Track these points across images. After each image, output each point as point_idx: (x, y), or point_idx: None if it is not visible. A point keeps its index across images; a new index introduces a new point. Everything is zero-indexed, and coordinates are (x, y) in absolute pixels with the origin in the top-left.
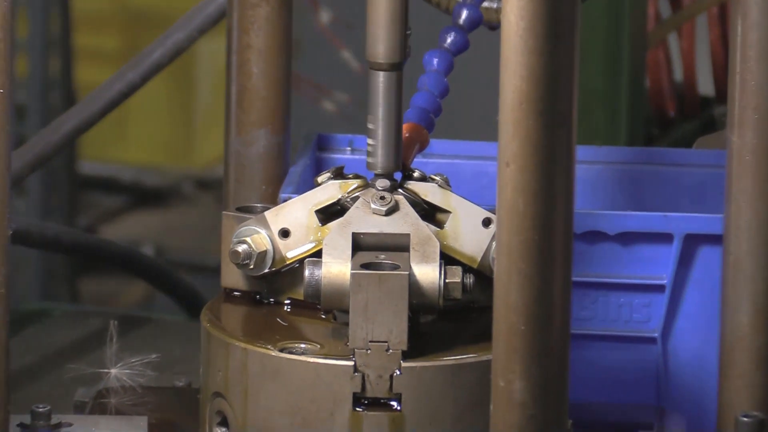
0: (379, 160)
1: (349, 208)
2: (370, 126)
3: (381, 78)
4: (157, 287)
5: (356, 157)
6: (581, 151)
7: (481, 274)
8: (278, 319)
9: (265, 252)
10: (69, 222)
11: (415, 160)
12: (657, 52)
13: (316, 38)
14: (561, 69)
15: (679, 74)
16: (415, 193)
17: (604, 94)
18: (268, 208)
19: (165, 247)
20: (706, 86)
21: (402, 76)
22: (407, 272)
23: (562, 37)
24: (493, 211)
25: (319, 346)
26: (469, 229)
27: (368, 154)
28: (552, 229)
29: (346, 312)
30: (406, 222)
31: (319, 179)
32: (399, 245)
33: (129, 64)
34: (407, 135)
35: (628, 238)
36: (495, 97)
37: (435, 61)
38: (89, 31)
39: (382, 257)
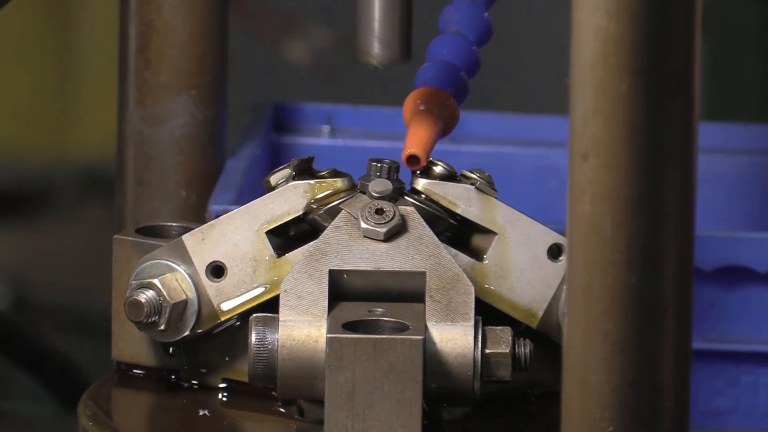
0: (376, 46)
1: (324, 228)
2: None
3: None
4: (11, 360)
5: (337, 141)
6: (718, 133)
7: (546, 340)
8: (206, 415)
9: (183, 302)
10: None
11: (438, 145)
12: None
13: None
14: (674, 0)
15: None
16: (436, 202)
17: (760, 45)
18: (189, 229)
19: (23, 289)
20: None
21: None
22: (421, 337)
23: None
24: (565, 234)
25: None
26: (527, 264)
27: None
28: (659, 264)
29: (320, 403)
30: (419, 251)
31: (274, 179)
32: (407, 291)
33: None
34: (424, 106)
35: None
36: (564, 45)
37: None
38: None
39: (378, 312)
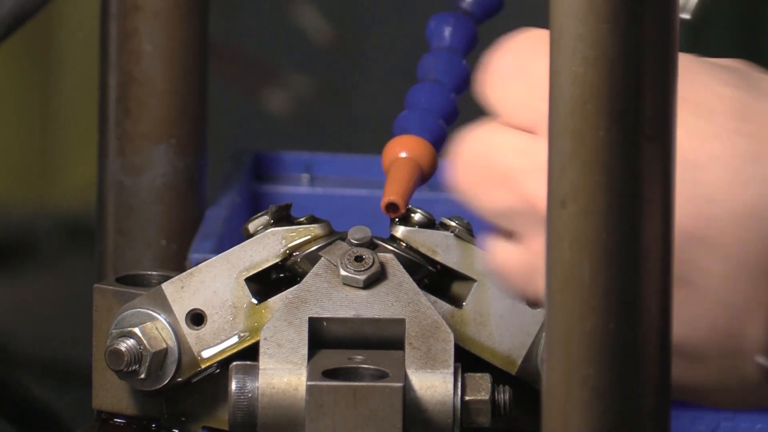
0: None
1: (303, 275)
2: None
3: None
4: None
5: (317, 190)
6: None
7: (525, 386)
8: None
9: (164, 351)
10: None
11: (416, 193)
12: None
13: None
14: (651, 47)
15: None
16: (415, 249)
17: None
18: (168, 277)
19: (4, 339)
20: None
21: None
22: (401, 384)
23: None
24: None
25: None
26: (505, 310)
27: None
28: (638, 309)
29: None
30: (399, 299)
31: (252, 226)
32: (387, 338)
33: None
34: (403, 154)
35: None
36: None
37: (447, 31)
38: None
39: (358, 359)
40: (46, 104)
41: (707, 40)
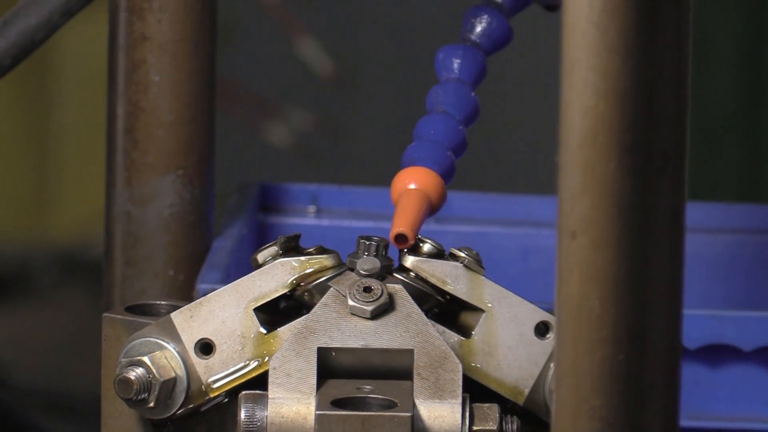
0: None
1: (312, 305)
2: None
3: None
4: None
5: (323, 221)
6: (699, 213)
7: (533, 417)
8: None
9: (173, 380)
10: None
11: (425, 225)
12: None
13: (259, 23)
14: (663, 79)
15: None
16: (424, 279)
17: (740, 124)
18: (177, 307)
19: (4, 372)
20: None
21: None
22: (409, 413)
23: (665, 26)
24: (552, 312)
25: None
26: (513, 341)
27: None
28: (647, 341)
29: None
30: (407, 329)
31: (261, 257)
32: (395, 368)
33: None
34: (412, 185)
35: None
36: (552, 123)
37: (456, 63)
38: None
39: (367, 389)
40: (43, 137)
41: (709, 56)
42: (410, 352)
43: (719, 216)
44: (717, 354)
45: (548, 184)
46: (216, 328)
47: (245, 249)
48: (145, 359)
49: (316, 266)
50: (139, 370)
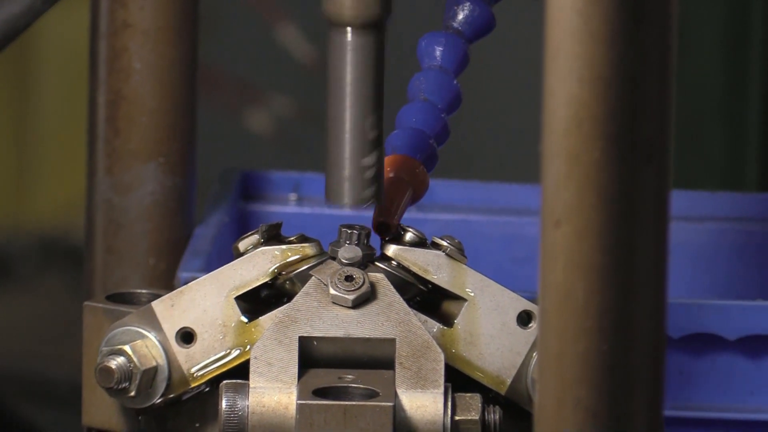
0: (346, 189)
1: (293, 294)
2: (330, 125)
3: (348, 40)
4: None
5: (304, 209)
6: (683, 201)
7: (515, 407)
8: None
9: (154, 369)
10: None
11: (407, 213)
12: None
13: (241, 10)
14: (647, 67)
15: None
16: (406, 268)
17: (724, 112)
18: (158, 296)
19: None
20: None
21: (383, 45)
22: (391, 403)
23: (650, 15)
24: (534, 301)
25: None
26: (496, 330)
27: (327, 177)
28: (631, 330)
29: None
30: (388, 318)
31: (242, 245)
32: (377, 358)
33: None
34: (393, 174)
35: (759, 346)
36: (535, 111)
37: (438, 51)
38: None
39: (348, 378)
40: (24, 123)
41: (692, 45)
42: (392, 341)
43: (703, 204)
44: (700, 343)
45: (531, 172)
46: (197, 316)
47: (227, 237)
48: (126, 348)
49: (298, 255)
50: (120, 359)
